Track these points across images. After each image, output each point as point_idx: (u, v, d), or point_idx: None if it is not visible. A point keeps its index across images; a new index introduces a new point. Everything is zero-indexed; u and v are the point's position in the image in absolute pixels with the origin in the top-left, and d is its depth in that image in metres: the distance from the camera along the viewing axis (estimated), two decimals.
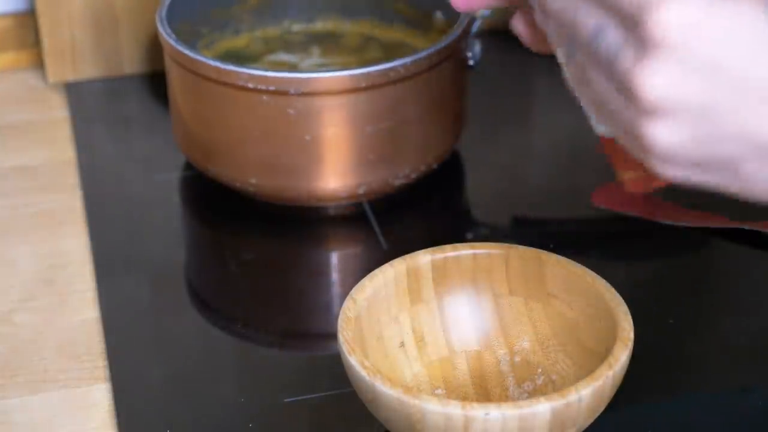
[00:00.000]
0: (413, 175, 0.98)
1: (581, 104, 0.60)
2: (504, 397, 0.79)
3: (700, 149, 0.56)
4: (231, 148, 0.96)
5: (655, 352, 0.83)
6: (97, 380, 0.84)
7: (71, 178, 1.05)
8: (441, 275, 0.80)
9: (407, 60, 0.93)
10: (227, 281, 0.94)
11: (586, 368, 0.75)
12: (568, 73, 0.62)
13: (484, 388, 0.79)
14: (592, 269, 0.78)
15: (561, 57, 0.61)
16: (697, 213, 0.93)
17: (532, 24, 0.67)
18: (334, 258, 0.98)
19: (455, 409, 0.68)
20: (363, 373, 0.71)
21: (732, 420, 0.79)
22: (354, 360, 0.72)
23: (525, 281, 0.80)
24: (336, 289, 0.94)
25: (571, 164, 1.05)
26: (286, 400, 0.82)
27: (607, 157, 0.70)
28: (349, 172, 0.95)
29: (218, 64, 0.93)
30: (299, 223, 0.98)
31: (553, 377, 0.79)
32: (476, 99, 1.04)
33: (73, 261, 0.96)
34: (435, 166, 0.99)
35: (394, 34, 1.09)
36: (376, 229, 0.97)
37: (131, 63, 1.18)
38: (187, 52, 0.95)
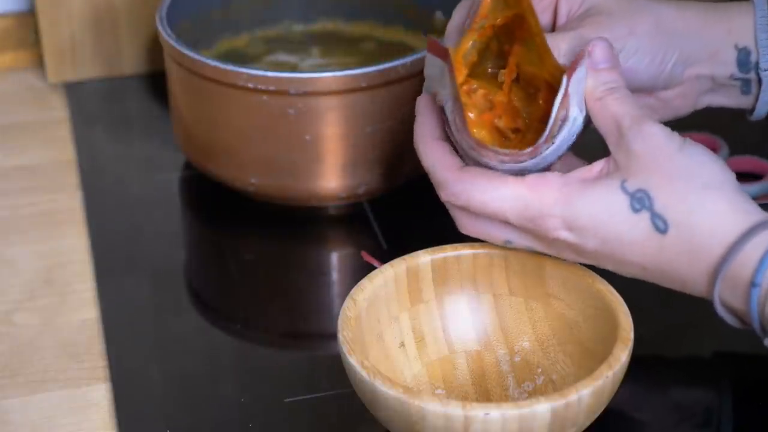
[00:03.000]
0: (413, 175, 0.98)
1: None
2: (504, 397, 0.79)
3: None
4: (231, 148, 0.96)
5: (655, 352, 0.83)
6: (97, 380, 0.84)
7: (71, 178, 1.05)
8: (441, 275, 0.80)
9: (407, 60, 0.93)
10: (227, 281, 0.94)
11: (586, 368, 0.75)
12: None
13: (484, 388, 0.79)
14: (592, 269, 0.78)
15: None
16: None
17: None
18: (334, 258, 0.98)
19: (455, 409, 0.68)
20: (363, 373, 0.71)
21: (732, 419, 0.79)
22: (354, 360, 0.72)
23: (525, 281, 0.80)
24: (336, 289, 0.94)
25: None
26: (286, 400, 0.82)
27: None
28: (349, 172, 0.95)
29: (218, 64, 0.93)
30: (299, 223, 0.98)
31: (553, 377, 0.79)
32: None
33: (73, 261, 0.96)
34: None
35: (394, 34, 1.09)
36: (376, 229, 0.97)
37: (131, 63, 1.18)
38: (187, 52, 0.95)
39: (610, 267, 0.75)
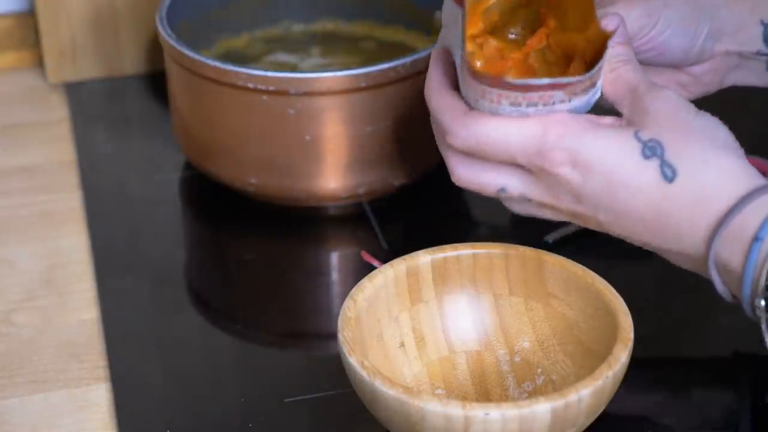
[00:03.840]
0: (413, 175, 0.98)
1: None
2: (504, 397, 0.79)
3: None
4: (231, 148, 0.96)
5: (655, 352, 0.83)
6: (97, 380, 0.84)
7: (71, 178, 1.05)
8: (441, 275, 0.80)
9: (407, 60, 0.93)
10: (227, 281, 0.94)
11: (586, 368, 0.75)
12: None
13: (484, 388, 0.79)
14: (592, 269, 0.78)
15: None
16: None
17: None
18: (334, 258, 0.98)
19: (455, 409, 0.68)
20: (363, 373, 0.71)
21: (732, 419, 0.79)
22: (354, 360, 0.72)
23: (525, 281, 0.80)
24: (336, 289, 0.94)
25: None
26: (286, 399, 0.82)
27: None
28: (349, 172, 0.95)
29: (218, 64, 0.93)
30: (299, 223, 0.98)
31: (553, 377, 0.79)
32: None
33: (73, 261, 0.96)
34: (435, 166, 0.99)
35: (394, 34, 1.09)
36: (376, 229, 0.97)
37: (131, 63, 1.18)
38: (187, 52, 0.95)
39: (603, 219, 0.74)
